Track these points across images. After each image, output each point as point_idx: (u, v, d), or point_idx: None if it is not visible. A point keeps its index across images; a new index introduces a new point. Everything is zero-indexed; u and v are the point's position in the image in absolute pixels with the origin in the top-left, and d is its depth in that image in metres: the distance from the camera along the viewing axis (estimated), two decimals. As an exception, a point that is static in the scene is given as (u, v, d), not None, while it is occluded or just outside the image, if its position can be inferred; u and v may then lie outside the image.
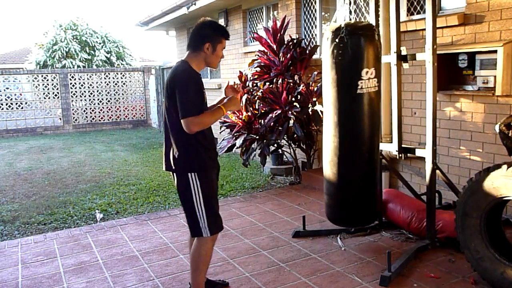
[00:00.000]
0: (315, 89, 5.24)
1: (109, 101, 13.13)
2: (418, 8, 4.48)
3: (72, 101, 12.67)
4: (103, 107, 13.07)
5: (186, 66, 2.56)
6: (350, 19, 5.42)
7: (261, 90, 5.36)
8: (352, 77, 3.16)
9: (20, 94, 12.38)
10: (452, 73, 4.03)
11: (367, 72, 3.14)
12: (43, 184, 6.26)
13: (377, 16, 3.75)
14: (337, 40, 3.14)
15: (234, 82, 2.98)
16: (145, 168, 7.12)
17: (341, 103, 3.24)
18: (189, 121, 2.45)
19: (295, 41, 5.56)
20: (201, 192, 2.56)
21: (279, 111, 5.11)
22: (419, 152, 3.49)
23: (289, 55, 5.41)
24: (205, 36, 2.58)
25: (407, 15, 4.57)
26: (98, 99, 12.98)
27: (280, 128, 5.25)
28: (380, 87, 3.28)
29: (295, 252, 3.48)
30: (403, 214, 3.70)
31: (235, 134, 5.43)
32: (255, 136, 5.33)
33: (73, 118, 12.71)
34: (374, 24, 3.41)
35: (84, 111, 12.88)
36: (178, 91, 2.48)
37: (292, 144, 5.66)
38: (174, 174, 2.64)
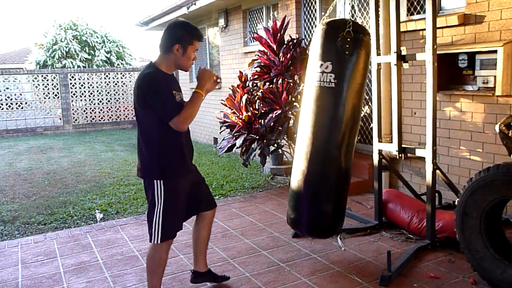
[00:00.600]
0: (315, 89, 5.24)
1: (109, 101, 13.13)
2: (418, 8, 4.48)
3: (72, 101, 12.67)
4: (103, 107, 13.06)
5: (151, 70, 2.50)
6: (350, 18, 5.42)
7: (261, 90, 5.36)
8: (312, 68, 3.14)
9: (20, 94, 12.39)
10: (452, 73, 4.02)
11: (321, 65, 3.04)
12: (43, 184, 6.26)
13: (377, 16, 3.75)
14: (315, 33, 3.22)
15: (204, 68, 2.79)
16: (145, 168, 7.11)
17: (304, 95, 3.25)
18: (174, 122, 2.42)
19: (295, 41, 5.56)
20: (163, 201, 2.53)
21: (279, 111, 5.11)
22: (419, 152, 3.49)
23: (289, 55, 5.41)
24: (175, 37, 2.51)
25: (407, 15, 4.57)
26: (98, 99, 12.98)
27: (280, 128, 5.25)
28: (338, 85, 3.01)
29: (295, 252, 3.48)
30: (403, 214, 3.70)
31: (235, 134, 5.43)
32: (255, 136, 5.32)
33: (73, 118, 12.71)
34: (361, 22, 3.26)
35: (84, 111, 12.88)
36: (150, 96, 2.43)
37: (292, 144, 5.66)
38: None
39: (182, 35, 2.52)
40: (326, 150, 3.10)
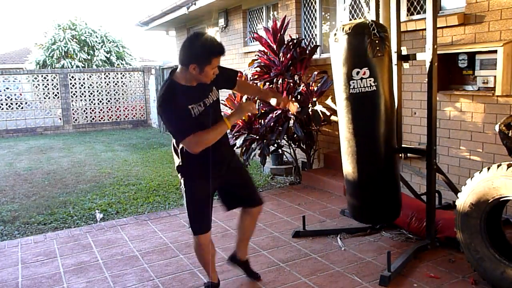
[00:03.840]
0: (315, 89, 5.24)
1: (109, 101, 13.13)
2: (418, 8, 4.48)
3: (72, 101, 12.66)
4: (103, 107, 13.06)
5: (168, 82, 2.43)
6: (350, 19, 5.42)
7: (261, 90, 5.36)
8: (344, 78, 3.15)
9: (20, 94, 12.38)
10: (452, 73, 4.03)
11: (358, 72, 3.07)
12: (43, 184, 6.26)
13: (377, 16, 3.75)
14: (334, 39, 3.17)
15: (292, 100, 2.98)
16: (145, 168, 7.11)
17: (339, 102, 3.27)
18: (186, 142, 2.35)
19: (295, 41, 5.56)
20: (186, 196, 2.63)
21: (279, 111, 5.11)
22: (419, 152, 3.48)
23: (289, 55, 5.41)
24: (191, 56, 2.31)
25: (407, 15, 4.57)
26: (98, 99, 12.98)
27: (280, 128, 5.25)
28: (378, 87, 3.11)
29: (295, 252, 3.48)
30: (403, 214, 3.69)
31: (235, 134, 5.43)
32: (255, 136, 5.33)
33: (73, 118, 12.71)
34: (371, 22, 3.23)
35: (84, 111, 12.87)
36: (162, 117, 2.41)
37: (292, 144, 5.66)
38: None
39: (199, 54, 2.31)
40: (379, 150, 3.26)
